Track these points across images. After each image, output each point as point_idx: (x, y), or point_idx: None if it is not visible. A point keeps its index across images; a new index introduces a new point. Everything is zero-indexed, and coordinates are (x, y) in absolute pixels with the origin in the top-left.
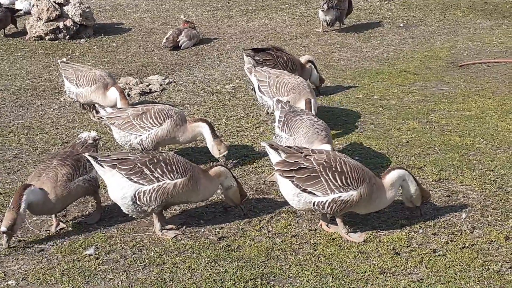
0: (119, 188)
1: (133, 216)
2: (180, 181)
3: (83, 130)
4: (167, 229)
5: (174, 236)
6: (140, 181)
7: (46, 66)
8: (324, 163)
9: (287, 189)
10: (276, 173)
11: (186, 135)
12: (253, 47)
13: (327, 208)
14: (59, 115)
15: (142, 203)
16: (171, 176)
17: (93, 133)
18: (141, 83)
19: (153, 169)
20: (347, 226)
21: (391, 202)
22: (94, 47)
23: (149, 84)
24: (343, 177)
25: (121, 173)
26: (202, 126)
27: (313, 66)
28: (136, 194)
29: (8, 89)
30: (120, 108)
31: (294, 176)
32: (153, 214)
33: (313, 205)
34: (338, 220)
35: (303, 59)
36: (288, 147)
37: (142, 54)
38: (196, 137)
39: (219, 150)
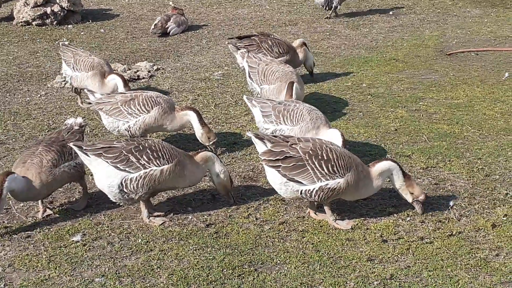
0: (105, 176)
1: (121, 204)
2: (167, 167)
3: (70, 116)
4: (155, 216)
5: (162, 223)
6: (127, 169)
7: (33, 52)
8: (310, 151)
9: (274, 178)
10: (262, 163)
11: (174, 123)
12: (238, 36)
13: (315, 196)
14: (46, 101)
15: (129, 191)
16: (157, 163)
17: (79, 119)
18: (129, 69)
19: (139, 156)
20: (335, 214)
21: (377, 191)
22: (82, 33)
23: (137, 71)
24: (329, 165)
25: (107, 162)
26: (190, 114)
27: (307, 49)
28: (123, 182)
29: None
30: (109, 94)
31: (280, 165)
32: (140, 201)
33: (301, 193)
34: (326, 207)
35: (296, 42)
36: (274, 136)
37: (130, 41)
38: (185, 125)
39: (208, 138)
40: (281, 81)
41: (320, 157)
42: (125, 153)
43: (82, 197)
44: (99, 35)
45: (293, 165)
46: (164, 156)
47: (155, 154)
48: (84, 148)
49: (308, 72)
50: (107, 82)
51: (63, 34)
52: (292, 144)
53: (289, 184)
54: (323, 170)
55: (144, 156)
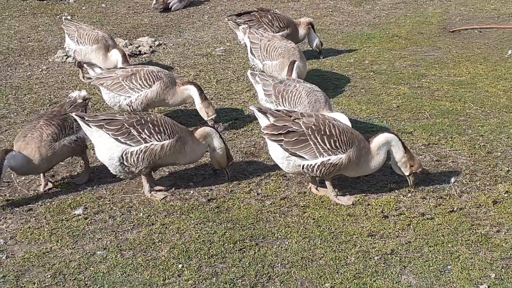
0: (106, 148)
1: (121, 177)
2: (168, 142)
3: (74, 90)
4: (156, 191)
5: (163, 198)
6: (128, 142)
7: (34, 26)
8: (313, 126)
9: (277, 153)
10: (265, 138)
11: (176, 97)
12: (238, 12)
13: (316, 171)
14: (48, 75)
15: (130, 164)
16: (158, 138)
17: (83, 93)
18: (131, 44)
19: (140, 130)
20: (336, 190)
21: (380, 166)
22: (83, 8)
23: (139, 46)
24: (331, 140)
25: (108, 134)
26: (191, 88)
27: (313, 30)
28: (124, 155)
29: None
30: (109, 69)
31: (283, 140)
32: (142, 175)
33: (302, 168)
34: (327, 183)
35: (303, 19)
36: (277, 110)
37: (131, 16)
38: (186, 100)
39: (207, 113)
40: (283, 57)
41: (322, 132)
42: (127, 126)
43: (83, 171)
44: (100, 10)
45: (296, 139)
46: (166, 131)
47: (156, 128)
48: (87, 119)
49: (312, 49)
50: (109, 56)
51: (64, 8)
52: (295, 119)
53: (291, 158)
54: (326, 145)
55: (145, 130)
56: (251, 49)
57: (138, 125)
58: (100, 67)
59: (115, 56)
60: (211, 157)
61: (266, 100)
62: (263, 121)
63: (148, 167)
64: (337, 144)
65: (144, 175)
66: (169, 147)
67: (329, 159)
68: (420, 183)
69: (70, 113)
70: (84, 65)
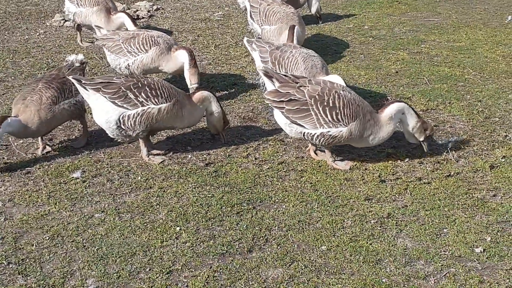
0: (103, 112)
1: (119, 141)
2: (165, 106)
3: (71, 53)
4: (154, 155)
5: (161, 162)
6: (124, 105)
7: None
8: (317, 96)
9: (280, 119)
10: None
11: (170, 64)
12: None
13: (316, 140)
14: (45, 39)
15: (127, 128)
16: (155, 101)
17: (80, 56)
18: (129, 9)
19: (137, 93)
20: (334, 154)
21: (389, 137)
22: None
23: (137, 10)
24: (333, 112)
25: (105, 97)
26: (182, 54)
27: None
28: (121, 118)
29: None
30: (114, 31)
31: (284, 107)
32: (139, 139)
33: (303, 135)
34: (326, 149)
35: None
36: (284, 75)
37: None
38: (181, 66)
39: (190, 80)
40: (282, 23)
41: (325, 103)
42: (124, 89)
43: (82, 135)
44: None
45: (297, 108)
46: (163, 95)
47: (153, 92)
48: (83, 82)
49: (311, 14)
50: (114, 19)
51: None
52: (301, 86)
53: (292, 126)
54: (327, 116)
55: (142, 94)
56: (250, 13)
57: (135, 89)
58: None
59: (121, 19)
60: (208, 121)
61: (263, 67)
62: (268, 85)
63: (146, 130)
64: (339, 116)
65: (141, 139)
66: (166, 110)
67: (328, 131)
68: (418, 147)
69: (68, 76)
70: (93, 25)
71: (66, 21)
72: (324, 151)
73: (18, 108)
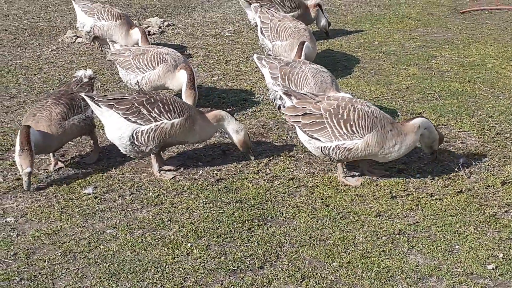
0: (116, 128)
1: (131, 157)
2: (178, 121)
3: (80, 69)
4: (165, 170)
5: (172, 177)
6: (138, 121)
7: (44, 7)
8: (332, 109)
9: (301, 136)
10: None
11: (174, 82)
12: None
13: (332, 153)
14: (57, 55)
15: (140, 143)
16: (168, 116)
17: (89, 71)
18: (140, 25)
19: (150, 109)
20: (345, 170)
21: (414, 146)
22: None
23: (148, 27)
24: (348, 124)
25: (118, 113)
26: (182, 74)
27: (320, 11)
28: (134, 134)
29: (5, 29)
30: (127, 46)
31: (300, 121)
32: (151, 155)
33: (321, 150)
34: (338, 164)
35: (310, 1)
36: (303, 93)
37: None
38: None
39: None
40: (293, 38)
41: (340, 115)
42: (137, 105)
43: (93, 151)
44: None
45: (312, 122)
46: (175, 110)
47: (166, 107)
48: (96, 98)
49: (319, 30)
50: (132, 33)
51: None
52: (318, 102)
53: (311, 141)
54: (342, 129)
55: (155, 109)
56: (261, 28)
57: (148, 104)
58: (120, 44)
59: (136, 34)
60: (236, 141)
61: (273, 83)
62: (287, 103)
63: (159, 146)
64: (354, 128)
65: (153, 155)
66: (179, 125)
67: (343, 143)
68: (429, 163)
69: (79, 93)
70: (107, 40)
71: (78, 37)
72: (358, 174)
73: (30, 125)
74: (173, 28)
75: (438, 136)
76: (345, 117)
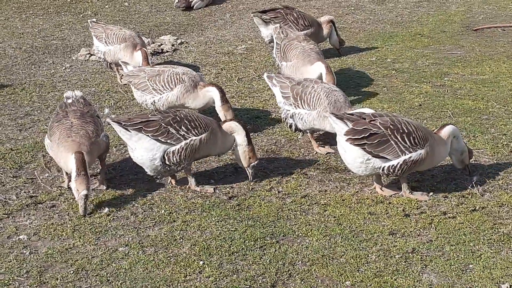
0: (147, 150)
1: (158, 177)
2: (204, 136)
3: (93, 89)
4: (203, 185)
5: (214, 189)
6: (168, 141)
7: (58, 25)
8: (391, 126)
9: (354, 156)
10: (343, 141)
11: (197, 101)
12: (261, 10)
13: (398, 170)
14: (71, 73)
15: (172, 163)
16: (196, 132)
17: (78, 92)
18: (153, 43)
19: (178, 128)
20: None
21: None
22: (106, 6)
23: (161, 44)
24: (411, 137)
25: (148, 136)
26: (212, 90)
27: (333, 28)
28: (165, 155)
29: (20, 47)
30: (141, 67)
31: (366, 143)
32: (186, 172)
33: (382, 170)
34: (402, 180)
35: (323, 18)
36: (350, 114)
37: (154, 14)
38: (209, 102)
39: (225, 116)
40: (297, 59)
41: (401, 130)
42: (164, 126)
43: (101, 176)
44: (123, 8)
45: (378, 141)
46: (201, 125)
47: (192, 124)
48: (124, 123)
49: (332, 47)
50: (135, 55)
51: (87, 7)
52: (371, 121)
53: (371, 161)
54: (406, 143)
55: (183, 127)
56: (276, 49)
57: (174, 123)
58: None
59: (138, 57)
60: (235, 153)
61: (284, 102)
62: (340, 126)
63: (190, 163)
64: (416, 140)
65: (187, 171)
66: (206, 140)
67: (410, 157)
68: (442, 181)
69: (108, 119)
70: (119, 62)
71: (91, 55)
72: (390, 188)
73: (70, 146)
74: (186, 46)
75: (466, 146)
76: (406, 131)
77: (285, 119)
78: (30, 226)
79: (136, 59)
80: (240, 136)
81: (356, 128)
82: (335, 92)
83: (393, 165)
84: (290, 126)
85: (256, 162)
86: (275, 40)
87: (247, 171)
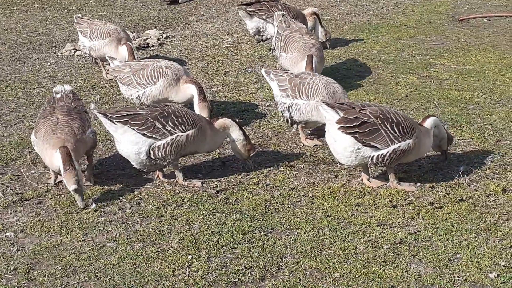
0: (133, 144)
1: (144, 170)
2: (191, 132)
3: (79, 85)
4: (191, 179)
5: (202, 183)
6: (154, 136)
7: (42, 20)
8: (381, 115)
9: (345, 145)
10: (334, 130)
11: (179, 96)
12: (246, 2)
13: (387, 160)
14: (56, 69)
15: (157, 158)
16: (182, 128)
17: (68, 87)
18: (139, 37)
19: (164, 123)
20: (397, 176)
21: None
22: (91, 1)
23: (147, 39)
24: (400, 127)
25: (133, 129)
26: (190, 87)
27: (317, 20)
28: (151, 150)
29: (4, 43)
30: (126, 61)
31: (357, 131)
32: (173, 167)
33: (372, 159)
34: (390, 171)
35: (307, 10)
36: (340, 103)
37: (139, 8)
38: (189, 98)
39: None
40: (298, 52)
41: (390, 120)
42: (151, 120)
43: (89, 172)
44: (108, 3)
45: (369, 130)
46: (189, 122)
47: (179, 119)
48: (110, 115)
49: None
50: (120, 50)
51: (72, 2)
52: (360, 110)
53: (361, 150)
54: (396, 132)
55: (169, 122)
56: (275, 38)
57: (161, 118)
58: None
59: (123, 52)
60: (232, 148)
61: (282, 95)
62: (331, 115)
63: (176, 158)
64: (405, 130)
65: (174, 166)
66: (193, 136)
67: (399, 146)
68: (429, 172)
69: (93, 111)
70: (106, 57)
71: (77, 50)
72: (378, 179)
73: (54, 142)
74: (171, 40)
75: (447, 135)
76: (395, 121)
77: (282, 112)
78: (17, 223)
79: (122, 54)
80: (235, 132)
81: (348, 117)
82: (333, 84)
83: (382, 154)
84: (287, 121)
85: (255, 152)
86: (276, 29)
87: (248, 162)
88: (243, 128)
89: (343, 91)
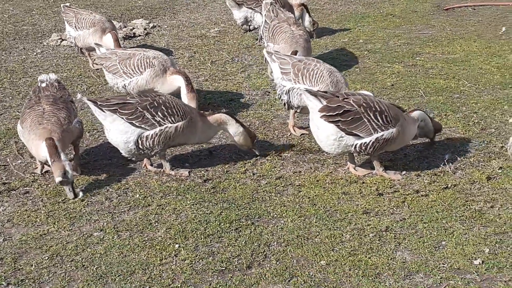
0: (121, 133)
1: (133, 159)
2: (181, 124)
3: (65, 75)
4: (178, 168)
5: (189, 172)
6: (142, 126)
7: (28, 10)
8: (364, 104)
9: (328, 133)
10: (317, 119)
11: (165, 86)
12: None
13: (370, 148)
14: (42, 59)
15: (145, 147)
16: (172, 120)
17: (53, 76)
18: (125, 27)
19: (154, 113)
20: (383, 164)
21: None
22: None
23: (133, 28)
24: (383, 115)
25: (122, 118)
26: (178, 79)
27: (305, 10)
28: (139, 139)
29: None
30: (113, 49)
31: (340, 120)
32: (160, 157)
33: (355, 147)
34: (375, 159)
35: (295, 1)
36: (324, 92)
37: None
38: (176, 90)
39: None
40: (285, 44)
41: (374, 108)
42: (141, 110)
43: (75, 162)
44: None
45: (351, 118)
46: (178, 113)
47: (169, 111)
48: (99, 103)
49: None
50: (104, 40)
51: None
52: (344, 99)
53: (344, 138)
54: (379, 121)
55: (159, 113)
56: (263, 27)
57: (151, 108)
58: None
59: (108, 40)
60: (235, 141)
61: (283, 78)
62: (314, 103)
63: (164, 149)
64: (388, 119)
65: (162, 156)
66: (182, 128)
67: (382, 135)
68: (415, 160)
69: (83, 99)
70: (93, 45)
71: (63, 40)
72: (364, 167)
73: (41, 133)
74: (158, 30)
75: (433, 128)
76: (378, 110)
77: (280, 95)
78: (3, 213)
79: (107, 43)
80: (233, 127)
81: (330, 105)
82: (336, 73)
83: (365, 142)
84: (285, 104)
85: (257, 138)
86: (264, 18)
87: (253, 150)
88: (239, 120)
89: (345, 81)
